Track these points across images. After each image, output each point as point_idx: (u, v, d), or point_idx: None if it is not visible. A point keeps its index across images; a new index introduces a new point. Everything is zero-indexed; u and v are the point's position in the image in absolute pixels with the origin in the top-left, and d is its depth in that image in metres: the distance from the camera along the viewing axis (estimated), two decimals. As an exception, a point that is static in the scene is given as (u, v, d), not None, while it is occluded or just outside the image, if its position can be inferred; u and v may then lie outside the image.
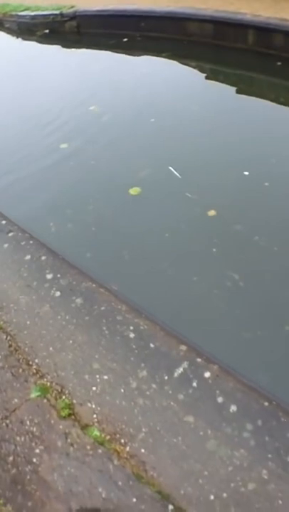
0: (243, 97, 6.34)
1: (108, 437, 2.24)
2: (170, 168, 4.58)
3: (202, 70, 7.26)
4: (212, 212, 3.98)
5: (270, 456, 2.08)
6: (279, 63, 6.86)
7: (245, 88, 6.56)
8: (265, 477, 2.01)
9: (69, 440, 2.27)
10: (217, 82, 6.86)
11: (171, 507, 1.97)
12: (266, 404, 2.29)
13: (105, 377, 2.47)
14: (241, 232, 3.79)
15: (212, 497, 1.98)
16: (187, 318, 3.09)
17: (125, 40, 8.35)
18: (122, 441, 2.21)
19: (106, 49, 8.32)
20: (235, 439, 2.16)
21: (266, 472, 2.02)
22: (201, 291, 3.35)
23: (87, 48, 8.69)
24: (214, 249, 3.65)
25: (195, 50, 7.67)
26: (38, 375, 2.59)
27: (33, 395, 2.49)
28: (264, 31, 7.00)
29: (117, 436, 2.24)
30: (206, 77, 7.04)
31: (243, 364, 2.63)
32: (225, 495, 1.97)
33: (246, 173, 4.45)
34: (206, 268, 3.52)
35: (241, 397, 2.31)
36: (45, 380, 2.56)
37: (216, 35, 7.54)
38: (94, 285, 3.00)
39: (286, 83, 6.79)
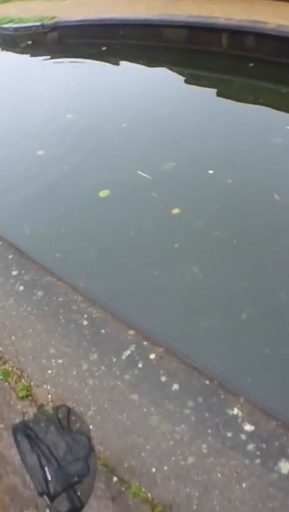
0: (216, 99, 6.55)
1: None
2: (139, 172, 4.76)
3: (178, 75, 7.48)
4: (176, 211, 4.17)
5: (209, 431, 2.23)
6: (251, 64, 7.09)
7: (219, 90, 6.76)
8: (205, 451, 2.16)
9: (26, 419, 2.43)
10: (190, 86, 7.09)
11: (115, 479, 2.12)
12: (207, 382, 2.45)
13: (60, 361, 2.65)
14: (202, 227, 3.97)
15: (153, 470, 2.13)
16: (143, 308, 3.27)
17: (104, 48, 8.59)
18: (73, 418, 2.38)
19: (86, 58, 8.54)
20: (177, 415, 2.32)
21: (206, 446, 2.17)
22: (161, 283, 3.53)
23: (68, 57, 8.89)
24: (176, 245, 3.83)
25: (171, 55, 7.91)
26: (1, 361, 2.77)
27: (-4, 379, 2.67)
28: (237, 34, 7.22)
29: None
30: (181, 81, 7.25)
31: (189, 346, 2.81)
32: (166, 468, 2.12)
33: (211, 171, 4.64)
34: (167, 262, 3.69)
35: (183, 377, 2.48)
36: (7, 365, 2.75)
37: (191, 40, 7.78)
38: (54, 279, 3.19)
39: (258, 83, 7.01)
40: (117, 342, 2.70)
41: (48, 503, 1.78)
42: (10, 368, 2.71)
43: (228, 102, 6.45)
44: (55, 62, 8.92)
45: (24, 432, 1.95)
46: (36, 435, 1.94)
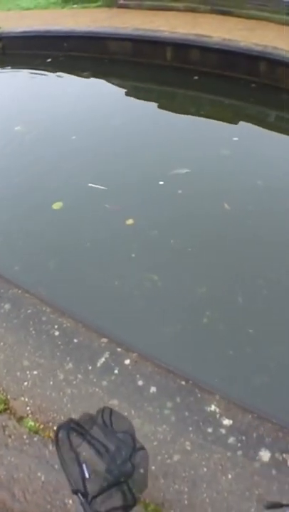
0: (162, 112, 6.72)
1: (42, 426, 2.40)
2: (90, 184, 4.80)
3: (122, 87, 7.62)
4: (130, 221, 4.24)
5: (190, 428, 2.31)
6: (196, 77, 7.34)
7: (164, 102, 6.97)
8: (189, 448, 2.24)
9: (7, 432, 2.41)
10: (136, 99, 7.24)
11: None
12: (183, 383, 2.54)
13: (35, 372, 2.63)
14: (158, 237, 4.07)
15: (141, 470, 2.18)
16: (110, 316, 3.32)
17: (49, 60, 8.56)
18: (55, 428, 2.36)
19: (31, 69, 8.48)
20: (158, 416, 2.38)
21: (189, 443, 2.25)
22: (123, 292, 3.60)
23: (13, 68, 8.81)
24: (133, 255, 3.90)
25: (116, 67, 8.03)
26: (-26, 378, 2.72)
27: None
28: (181, 47, 7.46)
29: (50, 424, 2.40)
30: (126, 94, 7.39)
31: (160, 351, 2.89)
32: (153, 467, 2.17)
33: (161, 182, 4.77)
34: (127, 272, 3.77)
35: (159, 379, 2.55)
36: (-19, 381, 2.69)
37: (136, 53, 7.95)
38: (20, 291, 3.17)
39: (203, 96, 7.28)
40: (90, 350, 2.73)
41: (82, 500, 1.76)
42: (-16, 384, 2.67)
43: (174, 115, 6.64)
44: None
45: (70, 428, 1.93)
46: (86, 431, 1.92)
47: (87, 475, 1.79)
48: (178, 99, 7.41)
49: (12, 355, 2.75)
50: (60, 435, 1.88)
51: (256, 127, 6.39)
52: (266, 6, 8.03)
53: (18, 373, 2.65)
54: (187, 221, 4.28)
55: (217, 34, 7.08)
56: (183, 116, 6.61)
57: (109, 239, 4.13)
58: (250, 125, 6.44)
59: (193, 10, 8.70)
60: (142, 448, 1.94)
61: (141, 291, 3.60)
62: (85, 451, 1.83)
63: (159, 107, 6.86)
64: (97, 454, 1.83)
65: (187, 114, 6.66)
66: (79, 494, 1.71)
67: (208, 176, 4.93)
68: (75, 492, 1.74)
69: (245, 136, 5.90)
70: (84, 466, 1.81)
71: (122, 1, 9.53)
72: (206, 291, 3.58)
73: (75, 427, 1.94)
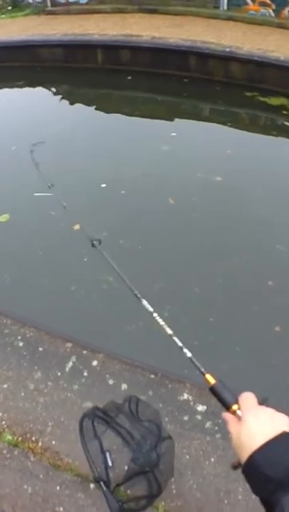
0: (99, 114, 6.77)
1: (20, 438, 2.35)
2: (36, 194, 4.73)
3: (57, 94, 7.59)
4: (77, 227, 4.22)
5: (167, 419, 2.34)
6: (129, 77, 7.42)
7: (100, 105, 6.99)
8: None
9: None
10: (71, 104, 7.21)
11: (92, 486, 2.12)
12: (152, 376, 2.57)
13: (5, 385, 2.59)
14: (107, 238, 4.04)
15: (126, 467, 2.20)
16: (71, 321, 3.30)
17: (-20, 71, 8.39)
18: (34, 438, 2.34)
19: None
20: (133, 411, 2.42)
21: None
22: (81, 296, 3.59)
23: None
24: (85, 259, 3.89)
25: (49, 74, 7.99)
26: None
27: None
28: (112, 49, 7.54)
29: (28, 435, 2.37)
30: (61, 99, 7.38)
31: (125, 349, 2.91)
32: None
33: (103, 185, 4.80)
34: (81, 276, 3.75)
35: (129, 376, 2.58)
36: None
37: (68, 58, 7.96)
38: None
39: (137, 95, 7.37)
40: (57, 356, 2.72)
41: (104, 489, 1.73)
42: None
43: (111, 116, 6.69)
44: None
45: (95, 416, 1.89)
46: (113, 419, 1.89)
47: (110, 463, 1.78)
48: (113, 100, 7.43)
49: (-22, 372, 2.70)
50: (84, 423, 1.85)
51: (192, 121, 6.56)
52: (192, 1, 8.23)
53: (-13, 389, 2.61)
54: (134, 220, 4.31)
55: (146, 33, 7.19)
56: (120, 116, 6.65)
57: (60, 245, 4.11)
58: (186, 119, 6.60)
59: (120, 11, 8.80)
60: (169, 437, 1.95)
61: (98, 293, 3.60)
62: (110, 438, 1.80)
63: (96, 109, 6.90)
64: (123, 441, 1.82)
65: (124, 114, 6.71)
66: (101, 483, 1.70)
67: (150, 173, 4.99)
68: (98, 480, 1.72)
69: (182, 131, 6.05)
70: (107, 454, 1.80)
71: (49, 8, 9.50)
72: (163, 286, 3.62)
73: (100, 415, 1.92)
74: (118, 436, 1.87)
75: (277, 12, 7.99)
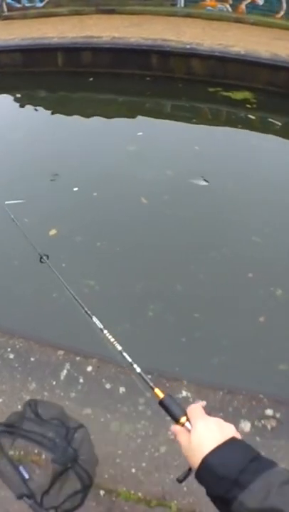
0: (58, 117, 6.68)
1: (22, 452, 2.31)
2: (6, 202, 4.60)
3: (18, 100, 7.45)
4: (53, 232, 4.17)
5: (168, 418, 2.33)
6: (91, 79, 7.36)
7: (63, 109, 6.90)
8: (172, 437, 2.22)
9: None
10: (33, 109, 7.09)
11: (102, 492, 2.10)
12: (149, 377, 2.54)
13: (0, 400, 2.53)
14: (83, 242, 4.03)
15: (133, 470, 2.17)
16: (60, 328, 3.22)
17: None
18: (36, 451, 2.30)
19: None
20: (134, 415, 2.39)
21: (171, 433, 2.26)
22: (64, 303, 3.45)
23: None
24: (64, 264, 3.80)
25: (8, 80, 7.80)
26: None
27: None
28: (72, 51, 7.45)
29: (29, 448, 2.32)
30: (21, 106, 7.24)
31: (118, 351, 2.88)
32: (144, 464, 2.18)
33: (76, 188, 4.74)
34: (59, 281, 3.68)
35: (125, 379, 2.55)
36: None
37: (27, 63, 7.80)
38: None
39: (100, 96, 7.32)
40: (50, 365, 2.67)
41: (30, 502, 1.70)
42: None
43: (75, 119, 6.60)
44: None
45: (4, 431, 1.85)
46: (18, 428, 1.85)
47: (26, 476, 1.76)
48: (76, 103, 7.34)
49: None
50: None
51: (158, 119, 6.55)
52: (149, 0, 8.25)
53: (-19, 405, 2.54)
54: (109, 222, 4.27)
55: (106, 34, 7.15)
56: (84, 119, 6.57)
57: (38, 253, 4.01)
58: (151, 118, 6.59)
59: (78, 13, 8.73)
60: (80, 426, 1.95)
61: (81, 298, 3.53)
62: (22, 447, 1.77)
63: (58, 113, 6.80)
64: (37, 445, 1.80)
65: (88, 116, 6.61)
66: (24, 498, 1.68)
67: (119, 174, 4.95)
68: (20, 497, 1.71)
69: (148, 130, 6.03)
70: (20, 467, 1.78)
71: (6, 13, 9.34)
72: (144, 285, 3.61)
73: (2, 429, 1.89)
74: (30, 441, 1.87)
75: (234, 7, 8.10)
